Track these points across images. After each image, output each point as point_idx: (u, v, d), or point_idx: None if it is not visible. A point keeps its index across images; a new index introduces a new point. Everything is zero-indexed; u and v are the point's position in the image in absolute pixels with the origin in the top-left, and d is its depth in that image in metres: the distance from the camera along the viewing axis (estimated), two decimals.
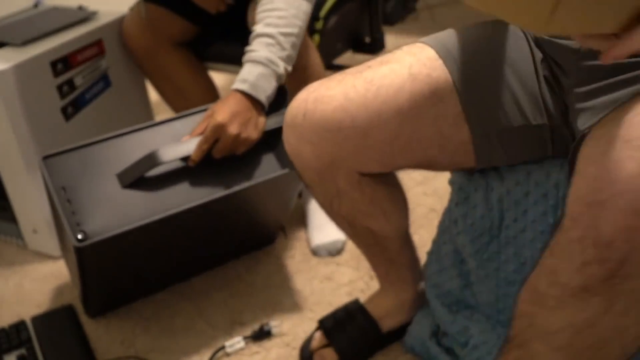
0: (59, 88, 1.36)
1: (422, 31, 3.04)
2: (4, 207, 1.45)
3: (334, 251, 1.39)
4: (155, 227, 1.05)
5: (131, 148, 1.11)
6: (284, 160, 1.17)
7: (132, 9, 1.47)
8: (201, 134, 1.10)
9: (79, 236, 1.01)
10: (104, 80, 1.48)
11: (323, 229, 1.41)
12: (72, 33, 1.40)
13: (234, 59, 1.51)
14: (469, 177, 0.91)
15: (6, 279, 1.41)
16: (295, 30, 1.14)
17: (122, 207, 1.06)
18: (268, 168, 1.16)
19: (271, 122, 1.16)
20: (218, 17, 1.41)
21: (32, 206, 1.38)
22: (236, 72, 1.54)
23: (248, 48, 1.13)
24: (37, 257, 1.47)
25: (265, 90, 1.12)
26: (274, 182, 1.15)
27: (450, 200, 0.96)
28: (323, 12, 1.44)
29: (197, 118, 1.17)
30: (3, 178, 1.38)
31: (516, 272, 0.88)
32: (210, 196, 1.09)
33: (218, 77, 2.34)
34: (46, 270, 1.42)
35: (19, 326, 1.21)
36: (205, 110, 1.18)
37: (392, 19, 1.68)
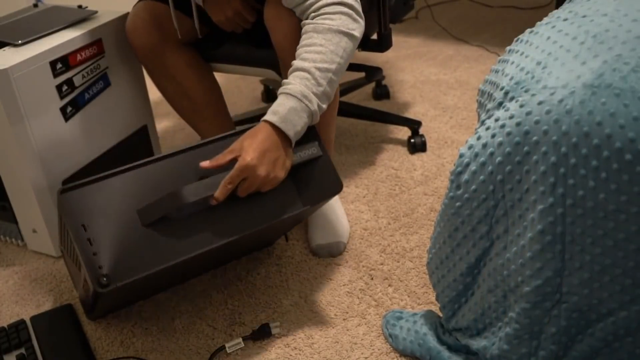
0: (59, 88, 1.36)
1: (422, 31, 3.05)
2: (3, 207, 1.45)
3: (335, 252, 1.39)
4: (175, 266, 1.04)
5: (151, 180, 1.07)
6: (305, 194, 1.15)
7: (135, 7, 1.45)
8: (221, 165, 1.07)
9: (102, 280, 0.98)
10: (104, 80, 1.48)
11: (324, 229, 1.41)
12: (71, 33, 1.39)
13: (246, 60, 1.50)
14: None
15: (6, 278, 1.41)
16: (333, 66, 1.12)
17: (143, 247, 1.02)
18: (289, 202, 1.13)
19: (297, 156, 1.14)
20: None
21: (31, 206, 1.38)
22: (247, 73, 1.55)
23: (284, 81, 1.12)
24: (37, 256, 1.47)
25: (295, 126, 1.10)
26: (293, 216, 1.14)
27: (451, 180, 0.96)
28: None
29: (219, 146, 1.13)
30: (3, 178, 1.38)
31: (521, 234, 0.88)
32: (232, 235, 1.07)
33: (218, 77, 2.34)
34: (46, 270, 1.42)
35: (19, 326, 1.21)
36: (227, 136, 1.14)
37: (394, 18, 1.68)
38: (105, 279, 0.98)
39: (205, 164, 1.07)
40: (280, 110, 1.09)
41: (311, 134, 1.16)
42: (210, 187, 1.05)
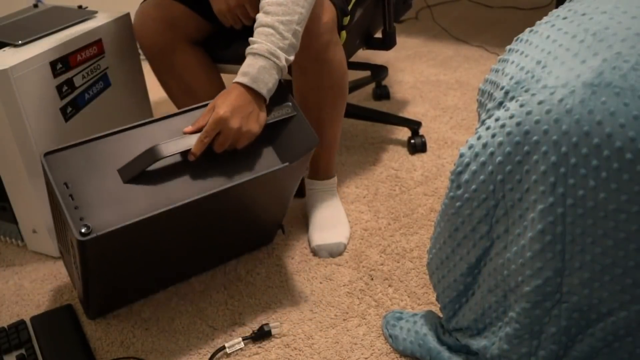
0: (59, 88, 1.36)
1: (422, 31, 3.05)
2: (4, 207, 1.45)
3: (335, 253, 1.38)
4: (157, 220, 1.06)
5: (132, 143, 1.12)
6: (283, 153, 1.19)
7: (143, 5, 1.42)
8: (202, 127, 1.11)
9: (83, 229, 1.01)
10: (104, 80, 1.48)
11: (324, 230, 1.41)
12: (71, 33, 1.39)
13: None
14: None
15: (6, 279, 1.41)
16: (295, 17, 1.14)
17: (124, 201, 1.07)
18: (268, 161, 1.18)
19: (271, 116, 1.18)
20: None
21: (31, 207, 1.38)
22: None
23: (250, 39, 1.15)
24: (37, 257, 1.47)
25: (267, 84, 1.13)
26: (274, 176, 1.16)
27: (451, 180, 0.96)
28: (349, 7, 1.42)
29: (199, 113, 1.18)
30: (3, 179, 1.38)
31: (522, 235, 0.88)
32: (212, 189, 1.10)
33: (223, 77, 2.34)
34: (46, 270, 1.42)
35: (19, 326, 1.21)
36: (206, 105, 1.19)
37: (395, 17, 1.68)
38: (86, 228, 1.01)
39: (188, 129, 1.13)
40: (250, 71, 1.12)
41: (283, 94, 1.20)
42: (187, 143, 1.10)
